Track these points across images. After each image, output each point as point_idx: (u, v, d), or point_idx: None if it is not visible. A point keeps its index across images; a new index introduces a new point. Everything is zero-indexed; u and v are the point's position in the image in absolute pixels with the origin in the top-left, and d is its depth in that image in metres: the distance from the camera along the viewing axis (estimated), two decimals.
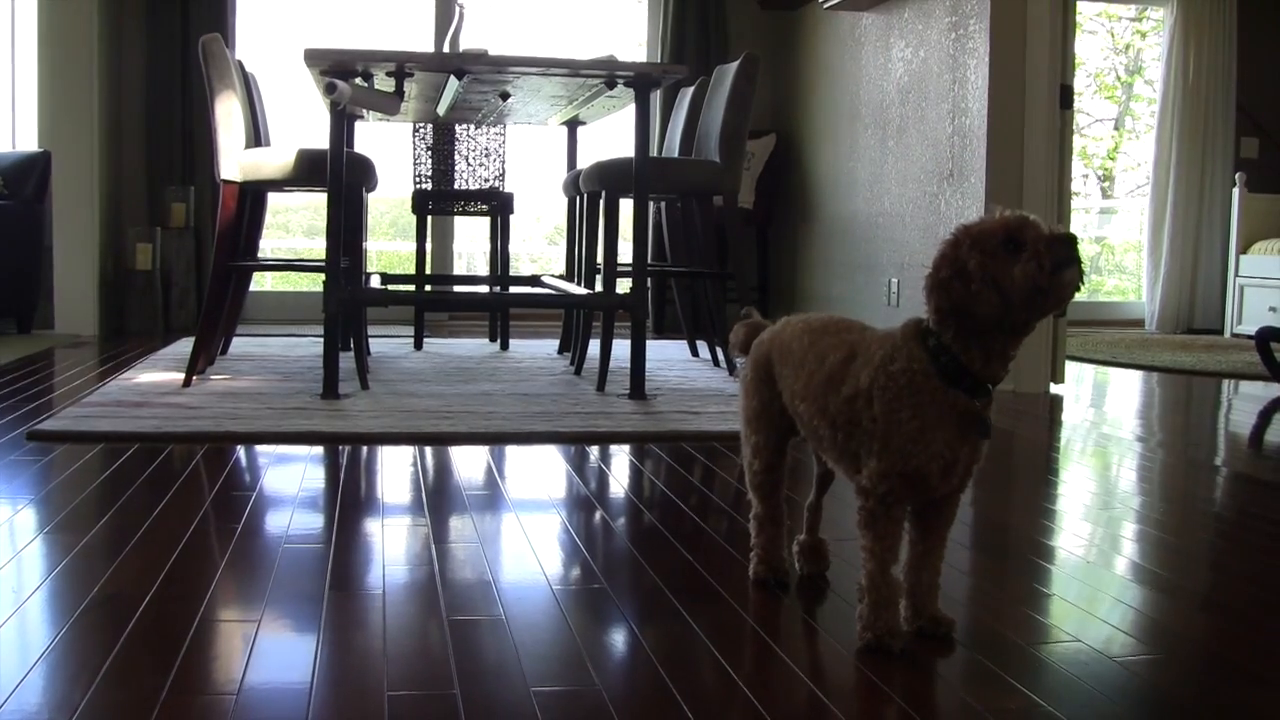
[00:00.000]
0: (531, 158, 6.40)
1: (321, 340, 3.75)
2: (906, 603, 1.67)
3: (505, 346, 5.18)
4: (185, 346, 4.81)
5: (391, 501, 2.44)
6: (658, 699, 1.44)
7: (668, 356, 4.99)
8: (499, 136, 5.19)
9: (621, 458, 2.98)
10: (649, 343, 4.85)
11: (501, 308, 5.24)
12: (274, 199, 5.13)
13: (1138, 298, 7.85)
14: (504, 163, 5.21)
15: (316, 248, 7.66)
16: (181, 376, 3.89)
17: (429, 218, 5.32)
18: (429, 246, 5.45)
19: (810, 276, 6.16)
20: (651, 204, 4.72)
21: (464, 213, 5.26)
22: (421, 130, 5.15)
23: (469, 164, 5.18)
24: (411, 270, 5.41)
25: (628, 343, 3.86)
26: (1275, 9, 7.40)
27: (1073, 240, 1.49)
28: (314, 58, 3.46)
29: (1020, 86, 4.31)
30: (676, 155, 4.72)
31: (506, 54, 3.55)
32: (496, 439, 3.12)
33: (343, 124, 3.64)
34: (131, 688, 1.43)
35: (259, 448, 2.98)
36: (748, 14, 6.50)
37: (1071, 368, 4.55)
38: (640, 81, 3.67)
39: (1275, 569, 1.87)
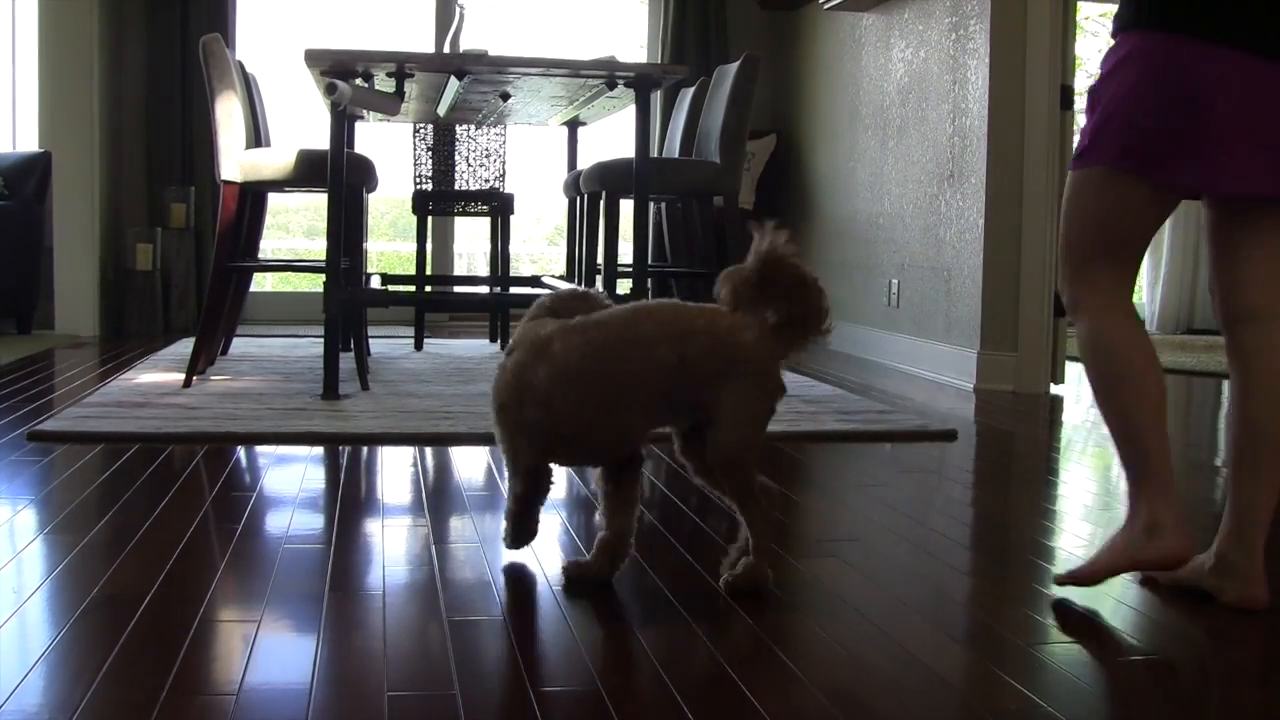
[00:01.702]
0: (532, 158, 6.39)
1: (322, 341, 3.75)
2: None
3: (505, 347, 5.17)
4: (185, 347, 4.81)
5: (391, 502, 2.44)
6: (658, 699, 1.44)
7: None
8: (499, 137, 5.19)
9: None
10: None
11: (502, 308, 5.24)
12: (274, 199, 5.12)
13: (1138, 298, 7.85)
14: (504, 163, 5.21)
15: (316, 248, 7.66)
16: (182, 377, 3.89)
17: (429, 218, 5.31)
18: (429, 247, 5.45)
19: None
20: (652, 204, 4.72)
21: (464, 213, 5.25)
22: (422, 131, 5.15)
23: (469, 164, 5.18)
24: (412, 271, 5.40)
25: None
26: None
27: None
28: (314, 58, 3.46)
29: (1020, 87, 4.31)
30: (677, 156, 4.72)
31: (507, 54, 3.55)
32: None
33: (343, 124, 3.64)
34: (131, 688, 1.43)
35: (259, 448, 2.98)
36: (748, 14, 6.49)
37: (1072, 368, 4.55)
38: (641, 82, 3.67)
39: (1275, 569, 1.87)
